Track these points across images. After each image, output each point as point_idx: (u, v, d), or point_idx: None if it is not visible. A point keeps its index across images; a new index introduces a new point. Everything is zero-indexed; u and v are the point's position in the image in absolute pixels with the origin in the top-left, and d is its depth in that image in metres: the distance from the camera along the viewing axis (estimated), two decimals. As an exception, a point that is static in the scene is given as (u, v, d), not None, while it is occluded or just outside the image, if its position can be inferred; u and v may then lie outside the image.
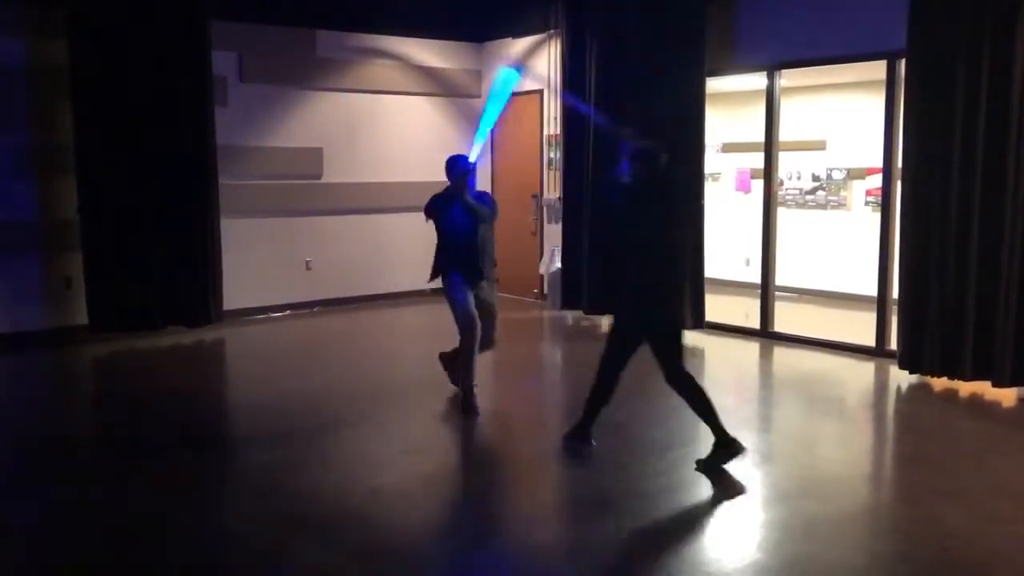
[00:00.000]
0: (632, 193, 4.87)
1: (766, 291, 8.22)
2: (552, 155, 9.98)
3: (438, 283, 6.19)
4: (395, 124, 10.24)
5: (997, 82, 6.14)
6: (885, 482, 5.06)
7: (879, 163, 7.44)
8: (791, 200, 10.33)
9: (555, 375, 7.64)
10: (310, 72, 9.55)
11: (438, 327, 9.61)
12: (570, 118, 9.10)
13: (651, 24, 8.22)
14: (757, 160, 8.58)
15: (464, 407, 5.92)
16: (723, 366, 7.60)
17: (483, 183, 10.88)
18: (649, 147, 4.91)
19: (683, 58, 8.07)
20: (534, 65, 10.12)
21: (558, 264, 9.49)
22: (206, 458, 5.34)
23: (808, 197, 10.35)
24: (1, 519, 4.39)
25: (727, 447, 4.87)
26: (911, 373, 6.72)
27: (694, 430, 5.72)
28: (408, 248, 10.37)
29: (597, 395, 5.07)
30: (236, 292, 8.91)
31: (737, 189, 10.94)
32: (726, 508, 4.49)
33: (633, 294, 4.97)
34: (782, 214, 8.62)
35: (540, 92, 10.08)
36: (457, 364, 6.06)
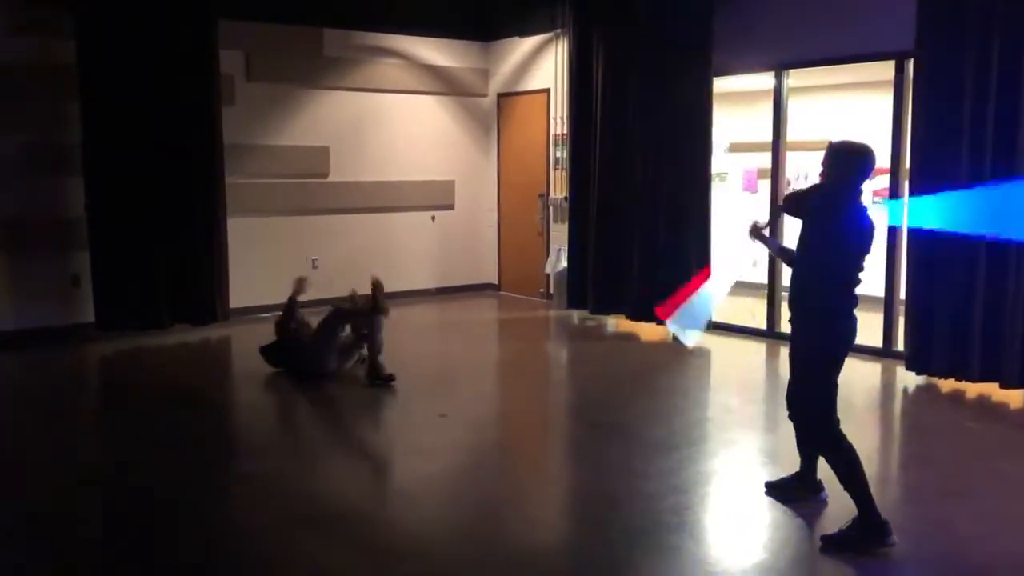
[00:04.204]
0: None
1: (772, 292, 8.20)
2: (559, 155, 9.97)
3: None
4: (402, 123, 10.23)
5: (1006, 82, 6.11)
6: (892, 483, 5.03)
7: (887, 163, 7.41)
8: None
9: (560, 375, 7.63)
10: (317, 71, 9.56)
11: (443, 326, 9.67)
12: (577, 117, 9.08)
13: (658, 24, 8.22)
14: (764, 160, 8.55)
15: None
16: (729, 366, 7.59)
17: (490, 182, 10.92)
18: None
19: (691, 58, 8.06)
20: (541, 64, 10.13)
21: (564, 264, 9.49)
22: (211, 456, 5.34)
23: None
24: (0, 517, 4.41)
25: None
26: (918, 374, 6.70)
27: (699, 430, 5.72)
28: (414, 247, 10.38)
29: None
30: (243, 290, 8.91)
31: (744, 189, 10.92)
32: (731, 508, 4.48)
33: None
34: (789, 214, 8.56)
35: (547, 91, 10.07)
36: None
